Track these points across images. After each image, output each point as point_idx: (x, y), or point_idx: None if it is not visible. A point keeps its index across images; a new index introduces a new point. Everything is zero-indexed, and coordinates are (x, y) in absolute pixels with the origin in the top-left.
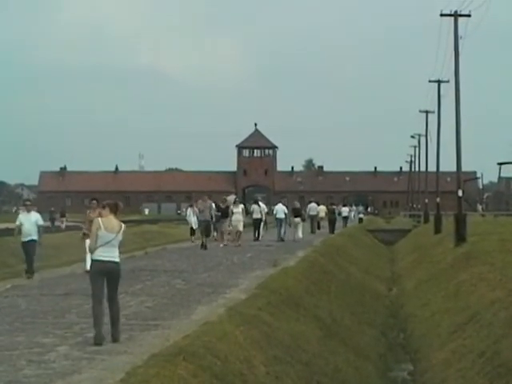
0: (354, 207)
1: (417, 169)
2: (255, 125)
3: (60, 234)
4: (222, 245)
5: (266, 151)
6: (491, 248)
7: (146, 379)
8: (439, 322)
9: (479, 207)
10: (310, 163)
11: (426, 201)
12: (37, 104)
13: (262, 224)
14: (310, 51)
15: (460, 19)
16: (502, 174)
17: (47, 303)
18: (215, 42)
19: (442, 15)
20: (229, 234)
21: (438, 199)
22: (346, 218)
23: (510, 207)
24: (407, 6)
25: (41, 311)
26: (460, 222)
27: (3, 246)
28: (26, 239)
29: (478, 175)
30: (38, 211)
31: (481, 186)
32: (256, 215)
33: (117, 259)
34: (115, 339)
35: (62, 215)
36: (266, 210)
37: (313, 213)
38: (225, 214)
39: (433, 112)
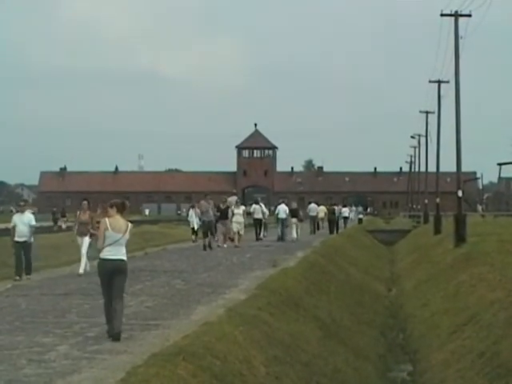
0: (353, 208)
1: (417, 169)
2: (255, 125)
3: (60, 234)
4: (221, 245)
5: (266, 152)
6: (491, 249)
7: (146, 379)
8: (439, 322)
9: (479, 208)
10: (309, 164)
11: (426, 201)
12: (37, 105)
13: (262, 224)
14: (309, 52)
15: (460, 19)
16: (502, 175)
17: (47, 303)
18: (214, 43)
19: (442, 15)
20: (229, 235)
21: (437, 200)
22: (346, 219)
23: (510, 208)
24: (407, 7)
25: (41, 311)
26: (460, 223)
27: (3, 246)
28: (21, 240)
29: (478, 175)
30: (38, 211)
31: (481, 187)
32: (257, 215)
33: (124, 257)
34: (116, 336)
35: (63, 215)
36: (266, 211)
37: (312, 213)
38: (224, 214)
39: (433, 112)
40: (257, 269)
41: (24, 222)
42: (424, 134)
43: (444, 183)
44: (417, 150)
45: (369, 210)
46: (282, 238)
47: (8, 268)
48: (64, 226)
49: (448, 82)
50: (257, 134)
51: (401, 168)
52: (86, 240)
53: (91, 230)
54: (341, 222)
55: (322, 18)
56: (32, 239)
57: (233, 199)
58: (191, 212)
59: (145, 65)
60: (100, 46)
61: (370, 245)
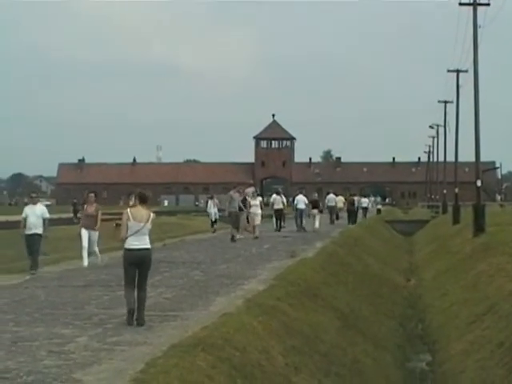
0: (371, 198)
1: (435, 159)
2: (273, 116)
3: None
4: (239, 236)
5: (284, 142)
6: (510, 238)
7: (166, 370)
8: (457, 312)
9: (498, 197)
10: (327, 154)
11: (445, 191)
12: (55, 98)
13: (282, 215)
14: (328, 43)
15: (479, 8)
16: None
17: (66, 294)
18: (232, 34)
19: (460, 4)
20: (246, 227)
21: (456, 190)
22: (365, 209)
23: None
24: None
25: (60, 302)
26: (478, 213)
27: (19, 238)
28: (30, 232)
29: (497, 165)
30: (56, 203)
31: (500, 176)
32: (277, 206)
33: (148, 246)
34: (140, 324)
35: (82, 204)
36: (285, 201)
37: (331, 204)
38: (243, 205)
39: (451, 102)
40: (275, 260)
41: (36, 213)
42: (442, 123)
43: (462, 173)
44: (435, 139)
45: (387, 200)
46: (301, 229)
47: (26, 260)
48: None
49: (467, 71)
50: (275, 125)
51: (419, 158)
52: (93, 233)
53: (117, 221)
54: (360, 212)
55: (339, 8)
56: (47, 232)
57: (249, 190)
58: (210, 203)
59: (163, 56)
60: (116, 38)
61: (388, 235)
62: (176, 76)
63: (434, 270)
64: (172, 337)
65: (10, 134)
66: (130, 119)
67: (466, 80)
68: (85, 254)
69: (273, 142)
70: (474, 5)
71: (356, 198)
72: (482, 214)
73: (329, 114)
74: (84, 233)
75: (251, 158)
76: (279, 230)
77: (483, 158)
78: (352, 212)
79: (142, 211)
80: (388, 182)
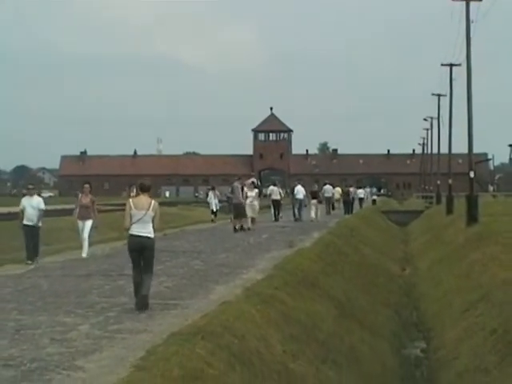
0: (367, 189)
1: (429, 151)
2: (271, 109)
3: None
4: (237, 227)
5: (282, 135)
6: (503, 228)
7: (166, 357)
8: (451, 300)
9: (490, 188)
10: (324, 146)
11: (438, 182)
12: (58, 91)
13: (279, 205)
14: (324, 39)
15: (472, 3)
16: None
17: (69, 284)
18: (231, 29)
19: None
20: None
21: (450, 181)
22: (361, 200)
23: None
24: None
25: (62, 291)
26: (472, 203)
27: (12, 230)
28: (28, 223)
29: (490, 157)
30: (59, 194)
31: (492, 168)
32: (275, 196)
33: (150, 234)
34: (144, 306)
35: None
36: (282, 192)
37: (328, 194)
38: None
39: (445, 95)
40: (273, 249)
41: (33, 205)
42: (436, 116)
43: (456, 164)
44: (429, 132)
45: (382, 191)
46: (298, 219)
47: (17, 252)
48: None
49: (460, 65)
50: (272, 118)
51: (413, 150)
52: (88, 224)
53: None
54: (356, 203)
55: (336, 9)
56: (40, 223)
57: (248, 182)
58: (210, 194)
59: (163, 51)
60: (119, 34)
61: (383, 225)
62: (177, 71)
63: (429, 259)
64: (172, 325)
65: (13, 127)
66: (131, 112)
67: (460, 73)
68: (85, 244)
69: (270, 134)
70: (467, 0)
71: (352, 189)
72: (475, 204)
73: (325, 107)
74: (80, 224)
75: (249, 151)
76: (277, 220)
77: (476, 150)
78: (348, 203)
79: (142, 200)
80: (383, 173)
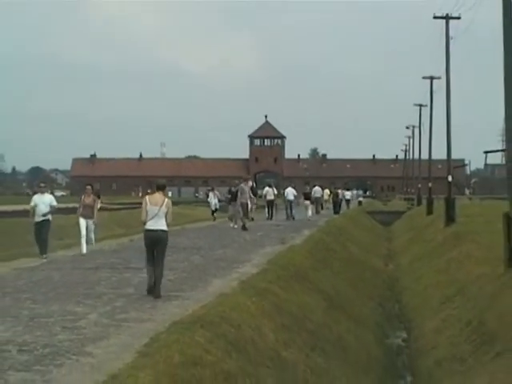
0: (354, 191)
1: (411, 157)
2: (265, 117)
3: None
4: (232, 225)
5: (275, 141)
6: (478, 228)
7: (168, 344)
8: (431, 294)
9: (467, 191)
10: (314, 151)
11: (419, 186)
12: (70, 98)
13: (273, 205)
14: (316, 51)
15: (451, 21)
16: (487, 162)
17: (78, 276)
18: (231, 42)
19: (434, 17)
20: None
21: (429, 184)
22: (348, 201)
23: (494, 191)
24: (404, 10)
25: (73, 283)
26: (450, 205)
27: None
28: (39, 219)
29: (466, 162)
30: (70, 194)
31: (468, 172)
32: (269, 197)
33: (164, 228)
34: (157, 295)
35: (99, 197)
36: (276, 192)
37: (317, 195)
38: (234, 197)
39: (426, 105)
40: (267, 246)
41: (45, 202)
42: (418, 125)
43: (435, 169)
44: (411, 139)
45: (368, 193)
46: (291, 218)
47: (31, 246)
48: (98, 207)
49: (440, 77)
50: (267, 125)
51: (397, 156)
52: (90, 222)
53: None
54: (343, 203)
55: (326, 22)
56: (50, 217)
57: (246, 183)
58: (211, 195)
59: (168, 60)
60: (127, 43)
61: (369, 225)
62: (179, 79)
63: (410, 256)
64: (174, 314)
65: (28, 131)
66: (137, 118)
67: (440, 85)
68: (83, 241)
69: (265, 140)
70: (447, 18)
71: (340, 191)
72: (453, 206)
73: (315, 115)
74: (82, 222)
75: (246, 155)
76: (271, 219)
77: (454, 156)
78: (337, 203)
79: (157, 197)
80: (369, 176)
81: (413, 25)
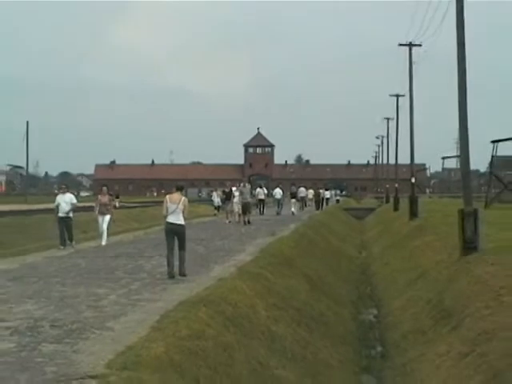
0: (333, 191)
1: (380, 162)
2: (258, 129)
3: (113, 211)
4: (227, 221)
5: (266, 149)
6: (437, 222)
7: (176, 320)
8: (397, 277)
9: (427, 191)
10: (299, 158)
11: (387, 186)
12: (94, 113)
13: (264, 203)
14: (300, 71)
15: (414, 48)
16: (444, 166)
17: (101, 263)
18: (227, 64)
19: (399, 45)
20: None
21: (396, 185)
22: (328, 199)
23: (450, 191)
24: (374, 38)
25: (96, 269)
26: (413, 202)
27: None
28: (62, 216)
29: (427, 166)
30: (93, 194)
31: (428, 175)
32: (260, 196)
33: (180, 222)
34: (182, 274)
35: (117, 197)
36: (266, 192)
37: (302, 195)
38: (228, 197)
39: (393, 119)
40: (259, 237)
41: (66, 201)
42: (386, 135)
43: (401, 172)
44: (380, 147)
45: (344, 192)
46: (278, 214)
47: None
48: (117, 205)
49: (404, 95)
50: (259, 135)
51: (368, 161)
52: (106, 218)
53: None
54: (324, 202)
55: (310, 46)
56: (71, 214)
57: (243, 185)
58: (214, 194)
59: (174, 81)
60: (140, 66)
61: (345, 219)
62: (184, 97)
63: (380, 245)
64: (181, 295)
65: (59, 141)
66: (149, 130)
67: (405, 101)
68: (104, 235)
69: (257, 148)
70: (410, 45)
71: (321, 191)
72: (416, 203)
73: (300, 126)
74: (100, 218)
75: (241, 161)
76: (262, 214)
77: (416, 161)
78: (318, 201)
79: (176, 196)
80: (345, 178)
81: (382, 50)
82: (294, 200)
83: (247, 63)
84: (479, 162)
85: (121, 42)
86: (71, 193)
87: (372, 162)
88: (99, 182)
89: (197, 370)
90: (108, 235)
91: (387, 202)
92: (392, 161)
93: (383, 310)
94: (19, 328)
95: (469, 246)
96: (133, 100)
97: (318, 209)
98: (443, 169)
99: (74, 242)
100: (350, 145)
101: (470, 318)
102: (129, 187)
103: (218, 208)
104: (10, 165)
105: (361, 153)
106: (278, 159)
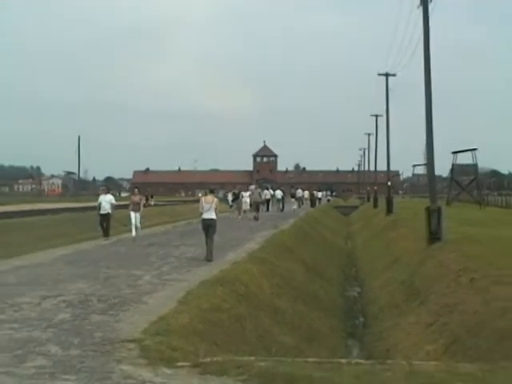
0: (324, 192)
1: (362, 169)
2: (264, 142)
3: (148, 209)
4: (238, 217)
5: (271, 158)
6: (408, 217)
7: (198, 296)
8: (377, 262)
9: (400, 192)
10: (297, 166)
11: (368, 188)
12: (131, 131)
13: (270, 202)
14: (295, 96)
15: (390, 78)
16: (414, 172)
17: (137, 250)
18: (240, 90)
19: (378, 74)
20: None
21: (375, 187)
22: (320, 199)
23: (420, 192)
24: (357, 68)
25: (133, 255)
26: (389, 201)
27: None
28: (103, 212)
29: (400, 172)
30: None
31: (401, 179)
32: (267, 197)
33: (213, 217)
34: (209, 260)
35: (151, 196)
36: (272, 193)
37: (299, 195)
38: (237, 197)
39: (373, 134)
40: (265, 230)
41: (107, 200)
42: (367, 147)
43: (379, 177)
44: (363, 157)
45: (334, 193)
46: (279, 211)
47: (113, 229)
48: (152, 203)
49: (382, 115)
50: (265, 147)
51: (353, 168)
52: (138, 215)
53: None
54: (317, 201)
55: (305, 76)
56: (111, 211)
57: (252, 187)
58: (229, 195)
59: (196, 102)
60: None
61: (334, 215)
62: (204, 116)
63: (363, 236)
64: (202, 276)
65: (107, 153)
66: (176, 142)
67: (383, 121)
68: (133, 228)
69: (264, 157)
70: (386, 75)
71: (315, 192)
72: (391, 202)
73: (298, 140)
74: (132, 214)
75: (250, 168)
76: (268, 211)
77: (392, 168)
78: (313, 201)
79: (209, 197)
80: (334, 182)
81: (365, 78)
82: (293, 199)
83: (257, 94)
84: (442, 169)
85: (156, 75)
86: (111, 194)
87: (356, 168)
88: (136, 184)
89: (215, 336)
90: (141, 228)
91: (368, 201)
92: (372, 168)
93: (365, 288)
94: (73, 301)
95: (434, 236)
96: (163, 119)
97: (312, 206)
98: (413, 174)
99: (110, 235)
100: (338, 155)
101: (435, 294)
102: (159, 189)
103: (231, 206)
104: (65, 171)
105: (347, 161)
106: (280, 167)
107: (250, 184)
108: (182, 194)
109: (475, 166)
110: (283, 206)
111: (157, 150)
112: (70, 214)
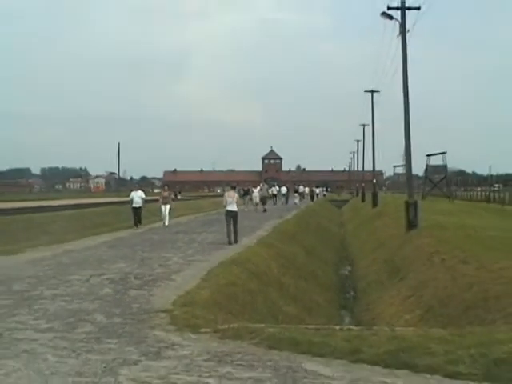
0: (321, 188)
1: (353, 169)
2: (271, 147)
3: (177, 202)
4: (246, 209)
5: (276, 160)
6: (391, 209)
7: (217, 274)
8: (364, 246)
9: (383, 189)
10: (298, 167)
11: (357, 185)
12: (160, 138)
13: (276, 197)
14: (295, 108)
15: (375, 94)
16: (395, 171)
17: (167, 236)
18: (249, 105)
19: (365, 91)
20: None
21: (363, 184)
22: (318, 195)
23: (400, 189)
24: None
25: (164, 241)
26: (374, 196)
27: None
28: (135, 206)
29: (383, 172)
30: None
31: (384, 178)
32: (274, 192)
33: (235, 209)
34: (236, 241)
35: (179, 192)
36: (278, 189)
37: (301, 191)
38: (246, 193)
39: (361, 140)
40: (272, 219)
41: (138, 195)
42: (356, 151)
43: (366, 176)
44: (353, 159)
45: (329, 189)
46: (284, 204)
47: (146, 219)
48: (180, 197)
49: (368, 125)
50: (272, 151)
51: (344, 168)
52: (167, 207)
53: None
54: (316, 196)
55: (305, 92)
56: (142, 205)
57: (261, 185)
58: (241, 191)
59: (213, 115)
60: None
61: (329, 207)
62: (221, 126)
63: (353, 224)
64: (220, 257)
65: (141, 157)
66: (198, 148)
67: (369, 128)
68: (165, 219)
69: (271, 160)
70: (372, 92)
71: (314, 189)
72: (376, 197)
73: (299, 144)
74: (162, 207)
75: (260, 168)
76: (275, 204)
77: (376, 168)
78: (312, 195)
79: (231, 193)
80: (329, 180)
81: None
82: (296, 194)
83: (265, 107)
84: (418, 168)
85: (182, 93)
86: (142, 190)
87: (347, 168)
88: (166, 182)
89: (231, 307)
90: (170, 218)
91: (357, 195)
92: (360, 168)
93: (355, 268)
94: (114, 279)
95: (411, 224)
96: (182, 131)
97: (311, 200)
98: (394, 173)
99: (141, 225)
100: (333, 158)
101: (412, 272)
102: (185, 187)
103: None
104: (108, 171)
105: (340, 163)
106: (284, 167)
107: (260, 182)
108: (206, 190)
109: (445, 166)
110: (287, 200)
111: (182, 154)
112: (112, 207)
